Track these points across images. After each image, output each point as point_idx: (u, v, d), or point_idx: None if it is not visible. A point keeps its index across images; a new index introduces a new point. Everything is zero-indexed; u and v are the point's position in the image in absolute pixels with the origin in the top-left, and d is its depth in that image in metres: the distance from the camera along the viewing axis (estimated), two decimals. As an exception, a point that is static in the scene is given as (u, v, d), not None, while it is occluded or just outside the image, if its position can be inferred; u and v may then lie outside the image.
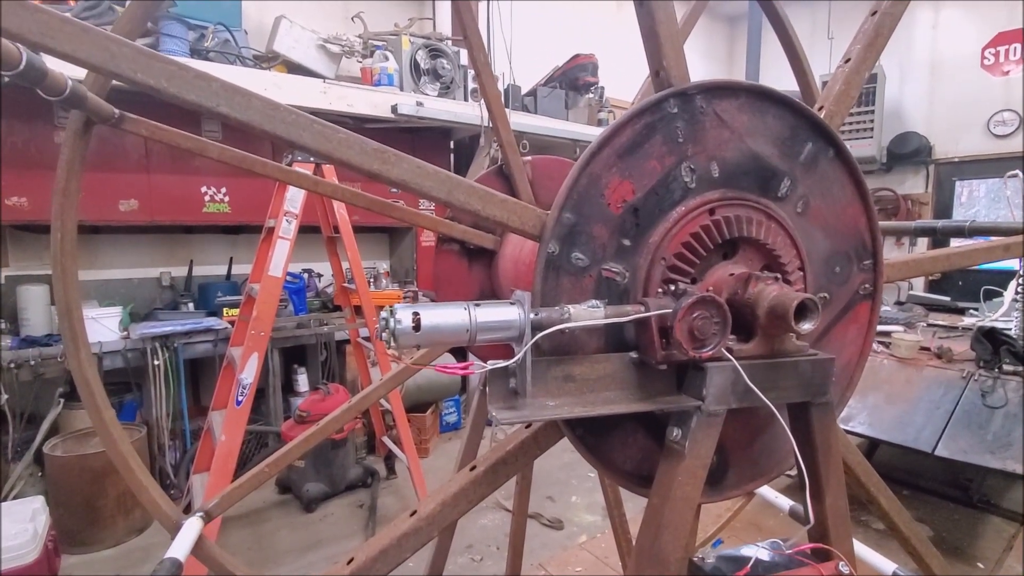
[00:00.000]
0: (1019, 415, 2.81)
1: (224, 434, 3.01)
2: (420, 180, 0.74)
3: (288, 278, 4.30)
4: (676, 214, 0.87)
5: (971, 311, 4.57)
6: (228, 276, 5.16)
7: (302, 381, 4.92)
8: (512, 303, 0.74)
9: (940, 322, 4.28)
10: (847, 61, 1.04)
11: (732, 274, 0.86)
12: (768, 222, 0.92)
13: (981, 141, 7.61)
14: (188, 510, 3.77)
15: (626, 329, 0.85)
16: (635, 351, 0.83)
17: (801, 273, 0.96)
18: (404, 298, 5.16)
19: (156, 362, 3.74)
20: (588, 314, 0.75)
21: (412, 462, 3.81)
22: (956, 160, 7.87)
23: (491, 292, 1.69)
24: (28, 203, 3.70)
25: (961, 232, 1.69)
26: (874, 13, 1.03)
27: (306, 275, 5.48)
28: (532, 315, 0.72)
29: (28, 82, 0.91)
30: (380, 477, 4.42)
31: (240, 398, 3.09)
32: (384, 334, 0.67)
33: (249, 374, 3.12)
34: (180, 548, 1.29)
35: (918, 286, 7.76)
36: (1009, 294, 3.99)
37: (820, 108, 1.02)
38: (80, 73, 0.98)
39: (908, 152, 7.95)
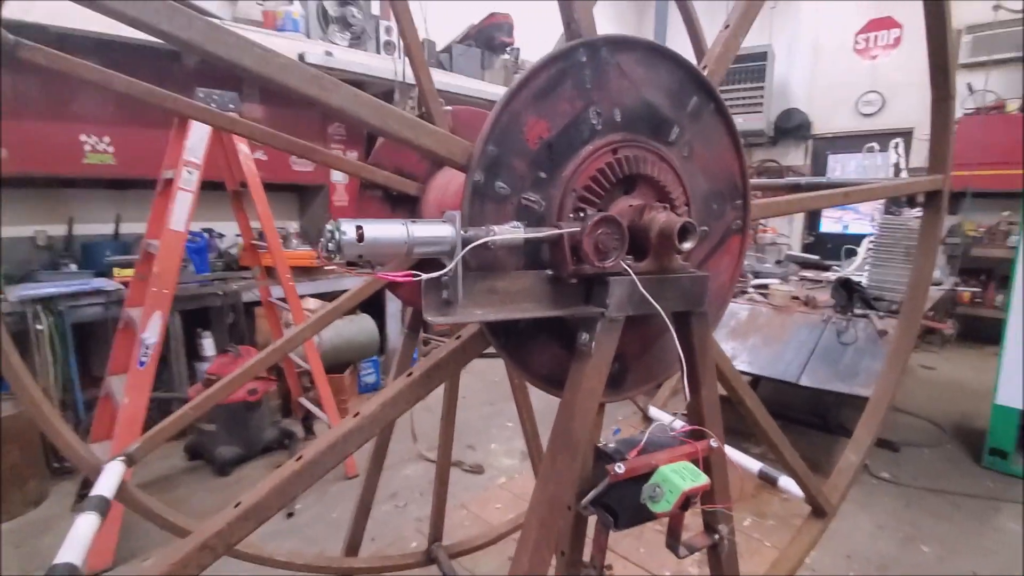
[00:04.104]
0: (866, 349, 3.35)
1: (127, 397, 2.86)
2: (356, 108, 0.80)
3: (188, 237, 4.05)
4: (585, 152, 1.00)
5: (834, 267, 5.26)
6: (116, 234, 4.74)
7: (207, 345, 4.69)
8: (444, 221, 0.83)
9: (809, 276, 4.90)
10: (727, 27, 1.21)
11: (631, 205, 1.01)
12: (660, 163, 1.08)
13: (851, 119, 8.55)
14: (85, 485, 3.56)
15: (542, 251, 0.98)
16: (550, 268, 0.97)
17: (686, 208, 1.13)
18: (319, 259, 5.03)
19: (39, 327, 3.42)
20: (510, 232, 0.87)
21: (333, 420, 3.83)
22: (830, 136, 8.80)
23: (415, 236, 1.76)
24: None
25: (820, 186, 1.99)
26: (749, -14, 1.21)
27: (207, 235, 5.16)
28: (462, 232, 0.83)
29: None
30: (298, 438, 4.38)
31: (144, 359, 2.94)
32: (330, 245, 0.75)
33: (152, 333, 2.97)
34: (105, 487, 1.29)
35: (796, 248, 8.72)
36: (862, 251, 4.65)
37: (704, 67, 1.19)
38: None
39: (792, 127, 8.76)
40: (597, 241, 0.89)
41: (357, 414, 0.92)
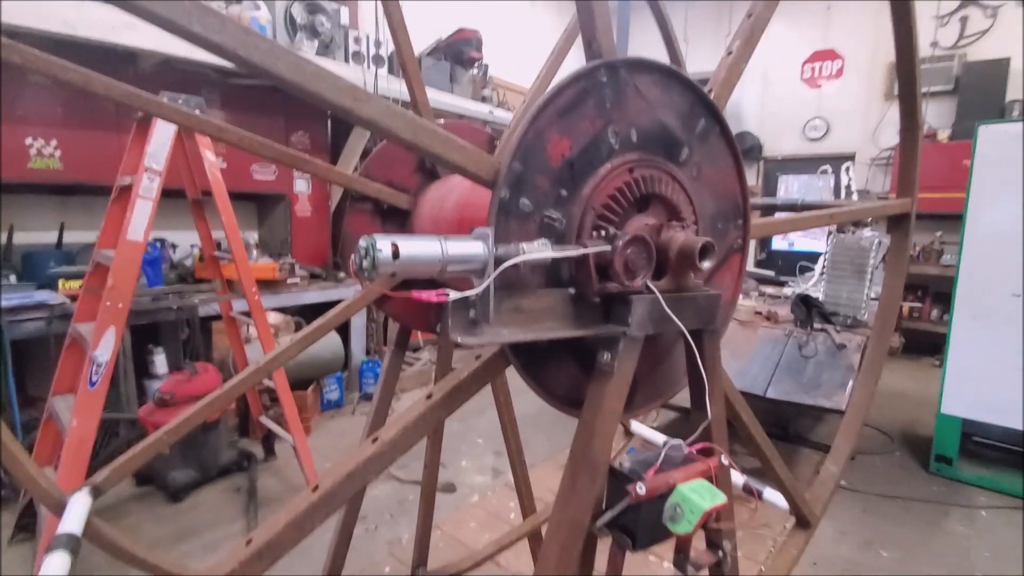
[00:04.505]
0: (826, 362, 3.50)
1: (76, 419, 2.65)
2: (389, 120, 0.78)
3: (144, 247, 3.82)
4: (604, 170, 1.00)
5: (789, 283, 5.50)
6: (59, 244, 4.43)
7: (159, 362, 4.41)
8: (476, 238, 0.81)
9: (769, 291, 5.10)
10: (729, 54, 1.25)
11: (648, 224, 1.02)
12: (673, 183, 1.09)
13: (798, 143, 9.04)
14: (26, 513, 3.28)
15: (562, 269, 0.97)
16: (572, 287, 0.96)
17: (695, 227, 1.15)
18: (281, 271, 4.86)
19: (-27, 343, 3.14)
20: (539, 250, 0.85)
21: (299, 440, 3.67)
22: (780, 158, 9.27)
23: (408, 251, 1.72)
24: None
25: (796, 207, 2.08)
26: (750, 15, 1.25)
27: (159, 245, 4.90)
28: (494, 249, 0.81)
29: None
30: (258, 459, 4.18)
31: (95, 378, 2.73)
32: (365, 262, 0.71)
33: (105, 351, 2.77)
34: (73, 523, 1.18)
35: (749, 264, 9.08)
36: (818, 268, 4.88)
37: (710, 91, 1.22)
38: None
39: (744, 149, 9.16)
40: (627, 260, 0.89)
41: (375, 439, 0.87)
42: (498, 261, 0.81)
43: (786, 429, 4.54)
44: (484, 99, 6.33)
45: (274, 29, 4.65)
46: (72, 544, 1.10)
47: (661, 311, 0.97)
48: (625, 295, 0.95)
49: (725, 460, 1.10)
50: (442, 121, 1.74)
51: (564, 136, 0.96)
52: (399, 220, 1.76)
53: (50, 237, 4.39)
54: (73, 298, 3.41)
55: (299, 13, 4.77)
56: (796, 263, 5.75)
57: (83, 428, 2.66)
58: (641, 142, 1.05)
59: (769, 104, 9.17)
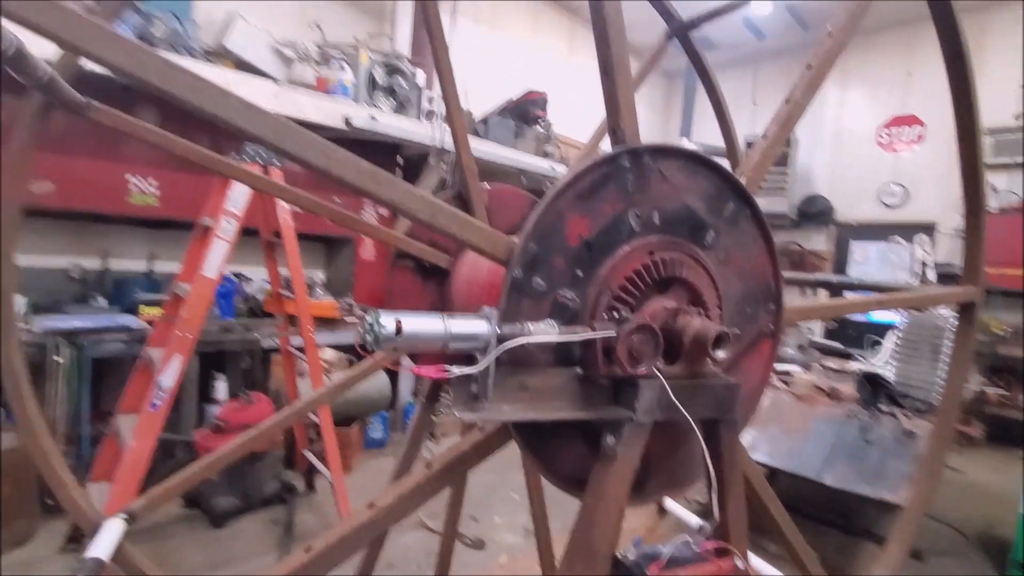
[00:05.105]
0: (892, 450, 3.20)
1: (135, 440, 2.83)
2: (408, 203, 0.83)
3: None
4: (622, 252, 1.01)
5: (858, 356, 5.13)
6: (149, 273, 4.87)
7: (221, 389, 4.67)
8: (481, 317, 0.84)
9: (832, 365, 4.78)
10: (764, 137, 1.24)
11: (665, 307, 1.01)
12: (696, 266, 1.08)
13: (873, 208, 8.62)
14: (78, 527, 3.47)
15: (573, 347, 0.98)
16: (580, 367, 0.96)
17: (719, 311, 1.13)
18: (340, 309, 5.09)
19: (58, 359, 3.46)
20: (544, 331, 0.87)
21: (336, 478, 3.73)
22: (853, 224, 8.85)
23: (443, 310, 1.77)
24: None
25: (851, 286, 1.98)
26: (788, 101, 1.25)
27: (236, 279, 5.28)
28: (498, 329, 0.83)
29: (14, 68, 0.92)
30: (299, 493, 4.27)
31: (157, 402, 2.93)
32: (368, 336, 0.75)
33: (170, 377, 2.97)
34: (102, 548, 1.25)
35: (818, 333, 8.57)
36: (888, 344, 4.54)
37: (742, 174, 1.21)
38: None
39: (814, 212, 8.84)
40: (631, 347, 0.89)
41: (372, 505, 0.89)
42: (502, 340, 0.83)
43: (849, 519, 4.14)
44: (547, 155, 6.51)
45: (357, 89, 5.06)
46: (96, 569, 1.16)
47: (670, 398, 0.94)
48: (633, 379, 0.94)
49: (740, 563, 1.03)
50: (486, 185, 1.81)
51: (583, 217, 0.98)
52: (439, 279, 1.82)
53: (141, 265, 4.84)
54: (152, 324, 3.71)
55: (380, 75, 5.18)
56: (868, 335, 5.37)
57: (140, 449, 2.84)
58: (664, 225, 1.06)
59: (841, 167, 8.87)
